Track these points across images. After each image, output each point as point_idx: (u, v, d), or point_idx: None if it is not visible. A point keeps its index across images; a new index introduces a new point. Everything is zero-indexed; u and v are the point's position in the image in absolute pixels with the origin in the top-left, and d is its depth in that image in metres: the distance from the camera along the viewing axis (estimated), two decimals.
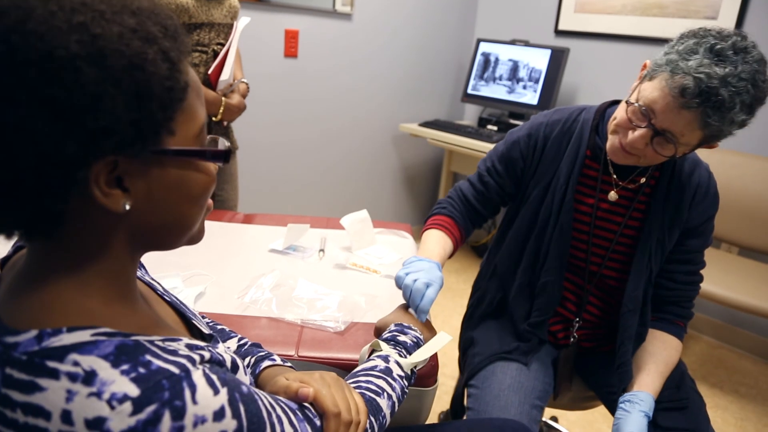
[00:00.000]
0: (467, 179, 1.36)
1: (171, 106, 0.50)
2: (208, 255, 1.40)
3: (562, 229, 1.19)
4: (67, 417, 0.44)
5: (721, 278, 2.12)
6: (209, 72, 1.62)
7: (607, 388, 1.25)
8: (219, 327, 0.89)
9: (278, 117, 2.58)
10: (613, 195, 1.17)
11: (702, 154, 2.38)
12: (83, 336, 0.47)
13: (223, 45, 1.67)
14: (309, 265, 1.41)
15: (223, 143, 0.60)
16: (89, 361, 0.46)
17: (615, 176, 1.17)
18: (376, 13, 2.81)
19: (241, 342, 0.87)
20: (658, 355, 1.17)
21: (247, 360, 0.81)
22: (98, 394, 0.44)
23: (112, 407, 0.44)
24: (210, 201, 0.61)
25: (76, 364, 0.45)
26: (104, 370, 0.45)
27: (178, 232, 0.57)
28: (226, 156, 0.56)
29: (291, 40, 2.47)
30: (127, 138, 0.47)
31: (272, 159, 2.62)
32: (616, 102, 1.18)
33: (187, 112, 0.52)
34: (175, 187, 0.53)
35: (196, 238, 0.61)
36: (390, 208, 3.34)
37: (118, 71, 0.45)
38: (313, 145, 2.79)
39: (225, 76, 1.64)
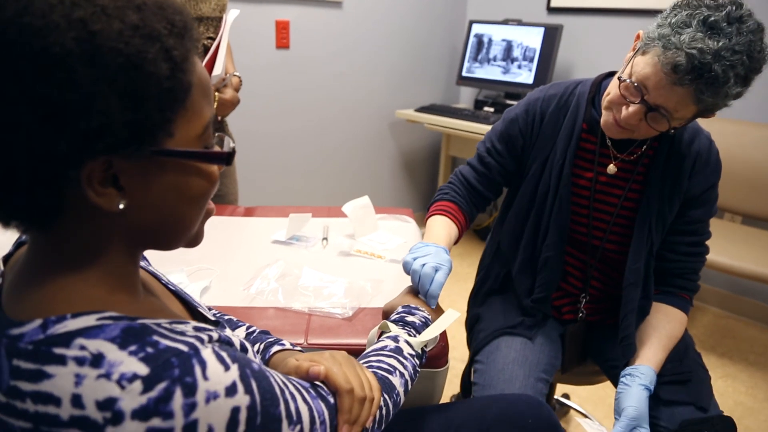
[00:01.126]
0: (467, 162, 1.34)
1: (170, 107, 0.48)
2: (211, 249, 1.40)
3: (560, 203, 1.18)
4: (77, 401, 0.44)
5: (726, 247, 2.12)
6: None
7: (611, 362, 1.25)
8: (227, 317, 0.89)
9: (273, 109, 2.57)
10: (611, 168, 1.16)
11: (701, 122, 2.37)
12: (88, 321, 0.47)
13: (213, 39, 1.66)
14: (313, 254, 1.41)
15: (228, 143, 0.58)
16: (96, 345, 0.45)
17: (613, 149, 1.16)
18: (366, 0, 2.79)
19: (250, 330, 0.86)
20: (661, 328, 1.16)
21: (256, 347, 0.81)
22: (107, 376, 0.44)
23: (123, 387, 0.44)
24: (212, 205, 0.60)
25: (82, 348, 0.45)
26: (112, 352, 0.45)
27: (176, 233, 0.56)
28: (229, 158, 0.55)
29: (282, 31, 2.46)
30: (121, 139, 0.46)
31: (270, 151, 2.62)
32: (612, 74, 1.17)
33: (190, 112, 0.51)
34: (173, 187, 0.52)
35: (195, 241, 0.60)
36: (390, 194, 3.33)
37: (114, 71, 0.44)
38: (310, 136, 2.77)
39: (217, 70, 1.62)
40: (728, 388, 2.10)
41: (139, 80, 0.45)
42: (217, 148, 0.56)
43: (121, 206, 0.49)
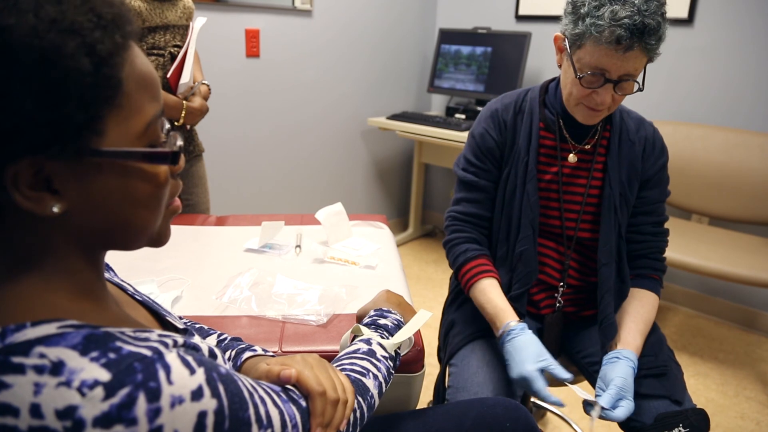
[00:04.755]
0: (455, 200, 1.32)
1: (96, 104, 0.45)
2: (182, 259, 1.37)
3: (528, 197, 1.22)
4: (36, 410, 0.42)
5: (695, 248, 2.16)
6: (168, 75, 1.58)
7: (587, 357, 1.27)
8: (197, 326, 0.87)
9: (244, 117, 2.54)
10: (572, 157, 1.23)
11: (666, 129, 2.42)
12: (49, 329, 0.45)
13: (179, 47, 1.64)
14: (286, 262, 1.39)
15: (174, 142, 0.54)
16: (56, 352, 0.43)
17: (571, 142, 1.23)
18: (335, 9, 2.79)
19: (222, 338, 0.85)
20: (635, 313, 1.21)
21: (228, 353, 0.79)
22: (67, 383, 0.42)
23: (83, 394, 0.42)
24: (176, 203, 0.57)
25: (42, 356, 0.43)
26: (73, 359, 0.43)
27: (130, 235, 0.54)
28: (174, 158, 0.52)
29: (252, 40, 2.44)
30: (42, 140, 0.43)
31: (241, 160, 2.59)
32: (554, 79, 1.26)
33: (125, 110, 0.48)
34: (116, 189, 0.49)
35: (158, 241, 0.57)
36: (363, 202, 3.33)
37: (28, 68, 0.41)
38: (282, 144, 2.76)
39: (185, 78, 1.60)
40: (699, 386, 2.14)
41: (55, 77, 0.43)
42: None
43: (56, 210, 0.47)
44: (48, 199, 0.46)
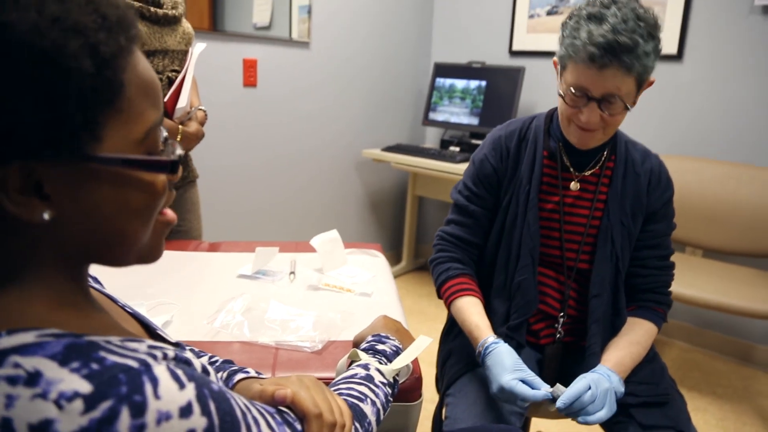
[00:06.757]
0: (447, 221, 1.32)
1: (95, 108, 0.44)
2: (173, 283, 1.34)
3: (529, 226, 1.21)
4: (7, 425, 0.38)
5: (690, 280, 2.15)
6: (165, 100, 1.58)
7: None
8: (188, 348, 0.84)
9: (240, 146, 2.54)
10: (574, 185, 1.22)
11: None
12: (26, 338, 0.42)
13: (178, 72, 1.64)
14: (280, 288, 1.36)
15: (173, 151, 0.52)
16: (33, 362, 0.40)
17: (574, 170, 1.22)
18: (333, 41, 2.83)
19: (212, 360, 0.82)
20: (623, 334, 1.20)
21: (219, 375, 0.76)
22: (43, 395, 0.39)
23: (60, 407, 0.39)
24: (170, 215, 0.55)
25: (17, 366, 0.40)
26: (51, 369, 0.40)
27: (119, 248, 0.51)
28: (173, 166, 0.50)
29: (249, 69, 2.46)
30: (35, 142, 0.42)
31: (236, 188, 2.58)
32: None
33: (125, 114, 0.46)
34: (110, 198, 0.47)
35: (148, 257, 0.54)
36: (357, 234, 3.31)
37: (28, 66, 0.40)
38: (276, 174, 2.75)
39: (182, 103, 1.60)
40: (699, 421, 2.10)
41: (55, 77, 0.41)
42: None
43: (46, 216, 0.44)
44: (37, 205, 0.44)
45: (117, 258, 0.52)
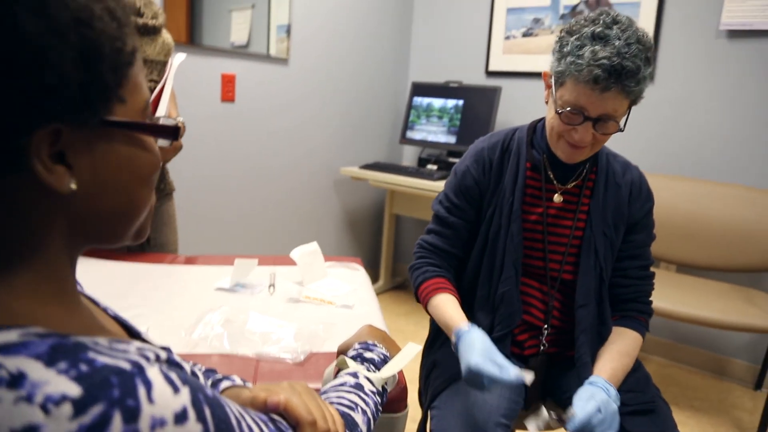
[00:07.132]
0: (427, 231, 1.33)
1: (120, 69, 0.45)
2: (149, 296, 1.30)
3: (512, 238, 1.21)
4: None
5: (665, 294, 2.17)
6: None
7: (568, 393, 1.23)
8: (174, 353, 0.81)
9: (217, 160, 2.51)
10: (557, 197, 1.22)
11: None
12: (9, 336, 0.39)
13: (156, 82, 1.62)
14: (260, 301, 1.33)
15: (169, 120, 0.55)
16: (16, 363, 0.37)
17: (557, 183, 1.22)
18: (311, 58, 2.83)
19: (195, 368, 0.78)
20: (611, 344, 1.21)
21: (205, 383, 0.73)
22: (28, 398, 0.36)
23: (47, 411, 0.36)
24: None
25: None
26: (36, 370, 0.37)
27: (127, 219, 0.51)
28: (176, 132, 0.51)
29: (228, 85, 2.44)
30: (75, 101, 0.42)
31: (212, 202, 2.53)
32: (541, 119, 1.27)
33: (134, 80, 0.48)
34: (124, 165, 0.48)
35: (141, 233, 0.54)
36: (335, 250, 3.28)
37: (64, 24, 0.40)
38: (254, 190, 2.72)
39: (160, 113, 1.58)
40: None
41: (90, 36, 0.41)
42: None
43: (73, 186, 0.44)
44: (64, 174, 0.43)
45: (118, 234, 0.52)
